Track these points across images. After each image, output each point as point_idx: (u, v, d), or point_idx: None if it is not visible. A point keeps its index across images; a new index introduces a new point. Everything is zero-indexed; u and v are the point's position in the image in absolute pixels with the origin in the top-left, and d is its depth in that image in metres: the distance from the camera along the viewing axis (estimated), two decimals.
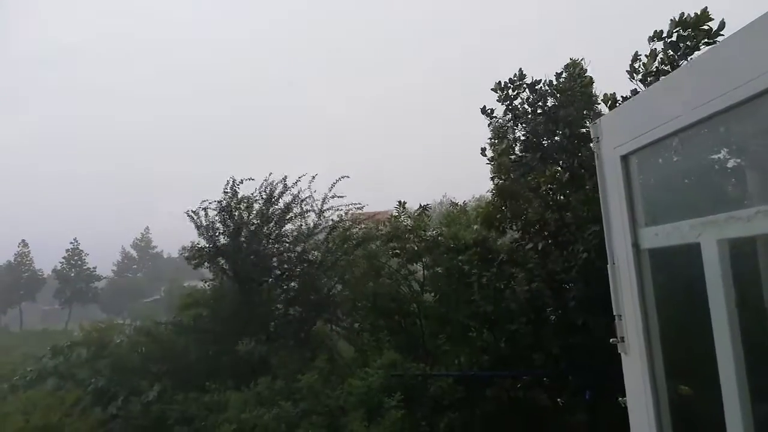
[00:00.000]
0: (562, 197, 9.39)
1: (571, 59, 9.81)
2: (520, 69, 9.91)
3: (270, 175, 13.82)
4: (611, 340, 1.80)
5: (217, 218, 13.49)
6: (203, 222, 13.50)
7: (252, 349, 11.15)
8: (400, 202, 11.90)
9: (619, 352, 1.78)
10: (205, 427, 9.33)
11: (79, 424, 11.31)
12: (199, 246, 13.52)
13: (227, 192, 13.60)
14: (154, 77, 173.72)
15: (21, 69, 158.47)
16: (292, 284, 13.64)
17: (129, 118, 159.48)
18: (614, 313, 1.77)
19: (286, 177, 13.82)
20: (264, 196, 13.69)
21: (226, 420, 8.78)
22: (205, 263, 13.54)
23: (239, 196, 13.67)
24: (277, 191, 13.71)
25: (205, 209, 13.57)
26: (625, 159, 1.74)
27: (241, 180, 13.80)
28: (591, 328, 8.53)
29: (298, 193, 13.80)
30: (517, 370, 9.81)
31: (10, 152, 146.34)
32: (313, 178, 13.89)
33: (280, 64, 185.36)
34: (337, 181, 13.72)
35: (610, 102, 8.87)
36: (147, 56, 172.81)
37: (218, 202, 13.55)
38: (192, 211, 13.58)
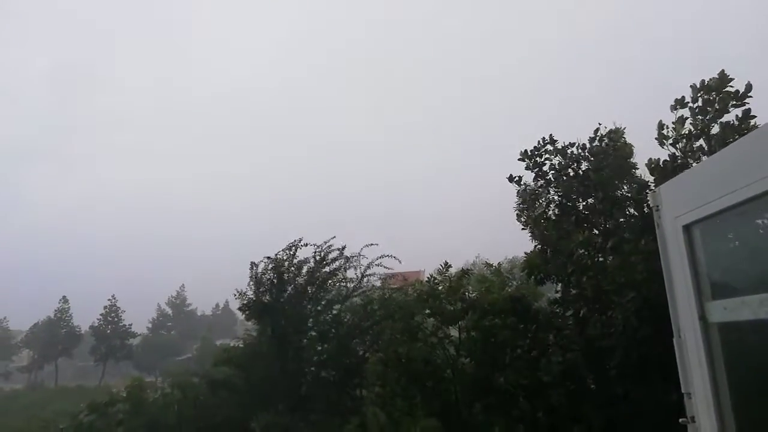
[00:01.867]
0: (599, 259, 9.16)
1: (604, 125, 9.77)
2: (551, 135, 9.99)
3: (332, 238, 14.22)
4: (680, 420, 1.67)
5: (268, 275, 13.68)
6: (258, 275, 13.70)
7: (271, 421, 10.98)
8: (445, 263, 11.82)
9: None
10: None
11: None
12: (250, 297, 13.65)
13: (289, 250, 13.84)
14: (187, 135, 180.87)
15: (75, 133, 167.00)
16: (326, 346, 13.53)
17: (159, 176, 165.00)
18: (683, 391, 1.65)
19: (345, 246, 14.18)
20: (318, 258, 13.89)
21: None
22: (255, 316, 13.65)
23: (296, 258, 13.89)
24: (330, 256, 13.92)
25: (265, 264, 13.86)
26: (687, 229, 1.67)
27: (303, 242, 14.08)
28: (633, 399, 8.10)
29: (345, 259, 13.98)
30: None
31: (59, 211, 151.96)
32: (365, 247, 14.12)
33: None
34: (383, 256, 13.91)
35: (654, 165, 8.82)
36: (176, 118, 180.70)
37: (270, 258, 13.77)
38: (254, 263, 13.89)
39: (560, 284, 9.64)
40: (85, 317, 78.41)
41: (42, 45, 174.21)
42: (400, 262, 14.02)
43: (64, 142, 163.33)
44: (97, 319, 74.85)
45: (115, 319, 75.00)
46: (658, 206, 1.82)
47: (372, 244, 14.02)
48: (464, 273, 11.54)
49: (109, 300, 75.93)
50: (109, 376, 63.43)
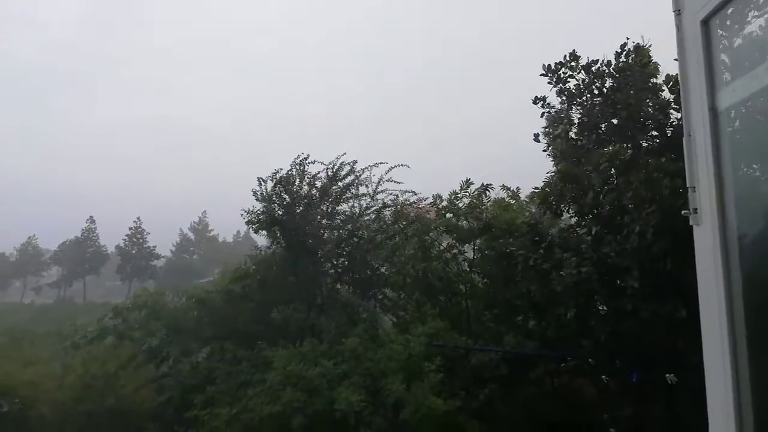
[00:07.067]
0: (621, 178, 8.98)
1: (632, 40, 9.38)
2: (573, 50, 9.62)
3: (343, 154, 14.13)
4: (683, 212, 1.69)
5: (276, 189, 13.72)
6: (265, 191, 13.77)
7: (291, 314, 11.32)
8: (467, 179, 11.81)
9: (690, 224, 1.67)
10: (252, 381, 9.58)
11: (132, 376, 11.86)
12: (259, 212, 13.75)
13: (296, 164, 13.83)
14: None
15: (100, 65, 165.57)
16: (341, 261, 13.77)
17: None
18: (687, 185, 1.66)
19: (355, 161, 14.08)
20: (330, 174, 13.89)
21: (272, 372, 9.00)
22: (263, 230, 13.81)
23: (304, 172, 13.86)
24: (343, 172, 13.90)
25: (269, 179, 13.91)
26: (705, 23, 1.61)
27: (309, 158, 14.04)
28: (642, 316, 8.17)
29: (357, 175, 13.93)
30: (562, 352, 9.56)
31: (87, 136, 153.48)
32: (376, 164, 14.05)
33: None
34: (393, 167, 13.80)
35: (672, 83, 8.58)
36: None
37: (276, 171, 13.82)
38: (261, 179, 13.94)
39: (576, 211, 9.53)
40: (112, 240, 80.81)
41: None
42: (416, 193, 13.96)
43: (96, 70, 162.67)
44: (123, 240, 77.25)
45: (140, 241, 77.41)
46: (679, 10, 1.75)
47: (403, 165, 13.91)
48: (485, 189, 11.50)
49: (134, 222, 78.13)
50: None
